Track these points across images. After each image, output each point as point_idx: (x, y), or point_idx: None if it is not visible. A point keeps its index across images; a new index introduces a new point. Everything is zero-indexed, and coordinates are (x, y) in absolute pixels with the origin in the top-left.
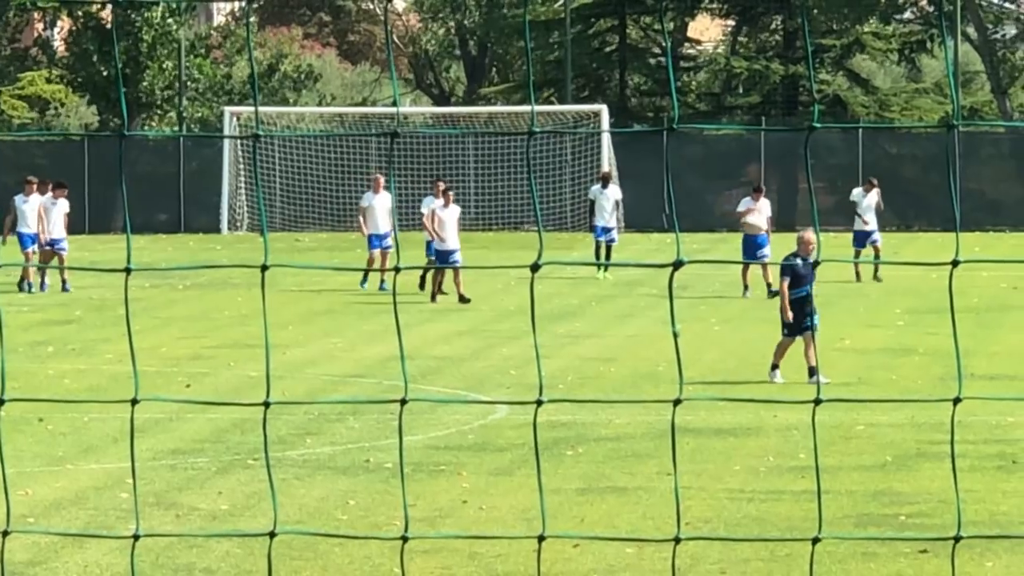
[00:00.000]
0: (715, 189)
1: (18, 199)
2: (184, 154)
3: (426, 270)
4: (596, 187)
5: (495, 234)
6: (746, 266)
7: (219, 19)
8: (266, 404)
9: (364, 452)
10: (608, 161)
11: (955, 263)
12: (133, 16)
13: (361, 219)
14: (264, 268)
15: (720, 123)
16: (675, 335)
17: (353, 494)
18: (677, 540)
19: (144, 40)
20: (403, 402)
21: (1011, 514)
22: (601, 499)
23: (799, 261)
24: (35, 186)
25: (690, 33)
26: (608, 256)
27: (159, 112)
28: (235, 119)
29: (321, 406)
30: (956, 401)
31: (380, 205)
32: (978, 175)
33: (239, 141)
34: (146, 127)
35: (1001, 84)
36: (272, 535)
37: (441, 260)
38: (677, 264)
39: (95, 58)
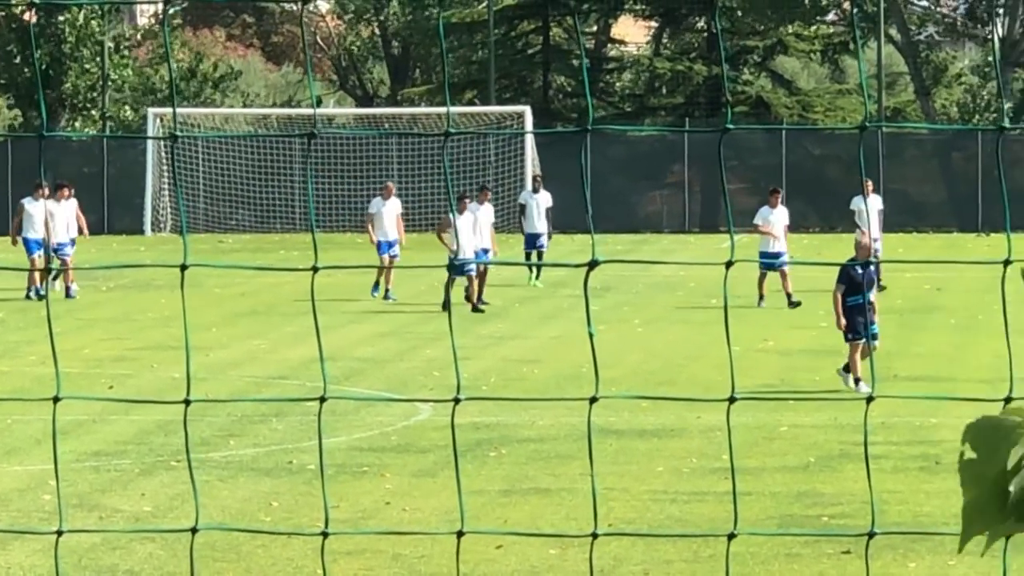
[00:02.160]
0: (639, 190)
1: (27, 201)
2: (108, 156)
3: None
4: (527, 191)
5: (419, 235)
6: (763, 275)
7: (142, 20)
8: (186, 402)
9: (287, 454)
10: (532, 163)
11: (868, 264)
12: (56, 17)
13: (369, 226)
14: (183, 267)
15: (637, 125)
16: (591, 335)
17: (276, 495)
18: (594, 536)
19: (67, 41)
20: (322, 400)
21: (934, 515)
22: (524, 500)
23: (858, 268)
24: (45, 190)
25: (613, 34)
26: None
27: (83, 113)
28: (158, 120)
29: (244, 408)
30: (869, 400)
31: (389, 211)
32: (901, 176)
33: (163, 142)
34: (70, 128)
35: (924, 85)
36: (194, 531)
37: (459, 270)
38: (592, 264)
39: (17, 59)
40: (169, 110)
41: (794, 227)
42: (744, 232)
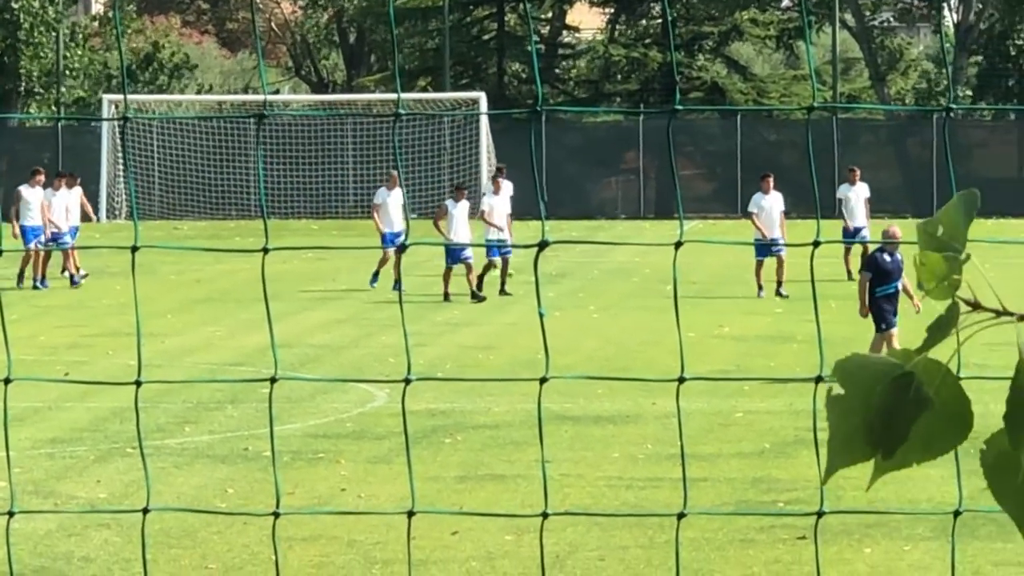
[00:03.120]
0: (594, 177)
1: (23, 188)
2: (63, 142)
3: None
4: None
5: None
6: (759, 265)
7: (97, 7)
8: (137, 383)
9: (243, 440)
10: (487, 149)
11: (816, 243)
12: (11, 3)
13: (375, 216)
14: (134, 249)
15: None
16: (541, 316)
17: (232, 482)
18: (544, 516)
19: (22, 27)
20: (273, 380)
21: (889, 500)
22: (480, 486)
23: (887, 256)
24: (41, 177)
25: (568, 21)
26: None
27: (37, 98)
28: (113, 106)
29: (199, 395)
30: (818, 380)
31: (394, 202)
32: (857, 162)
33: (118, 130)
34: (26, 113)
35: (879, 71)
36: (145, 511)
37: (454, 258)
38: (542, 244)
39: None
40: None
41: (748, 213)
42: (699, 218)
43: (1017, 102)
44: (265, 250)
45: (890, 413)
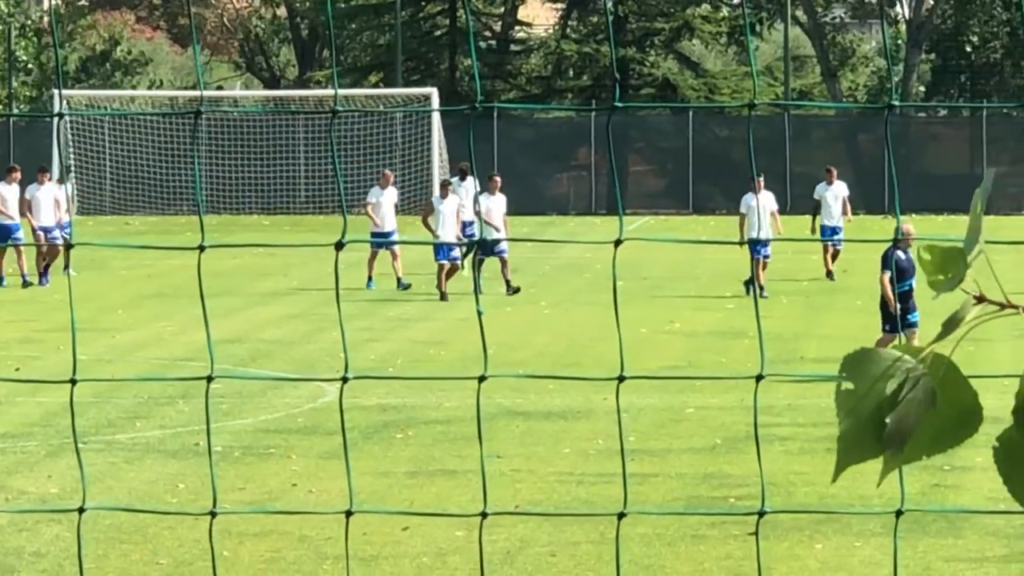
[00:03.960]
0: (546, 172)
1: (1, 186)
2: (14, 138)
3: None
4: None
5: (326, 217)
6: (757, 264)
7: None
8: (72, 382)
9: (194, 435)
10: (438, 145)
11: (754, 241)
12: None
13: (369, 214)
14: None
15: (527, 104)
16: (479, 314)
17: (183, 477)
18: (484, 515)
19: None
20: (209, 379)
21: (840, 496)
22: (431, 482)
23: (901, 254)
24: (17, 174)
25: (521, 16)
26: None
27: None
28: (65, 102)
29: (151, 390)
30: (759, 378)
31: (388, 200)
32: (808, 158)
33: (70, 126)
34: None
35: (831, 67)
36: (81, 510)
37: (443, 255)
38: (480, 242)
39: None
40: (75, 92)
41: (699, 209)
42: (651, 214)
43: (970, 98)
44: (201, 247)
45: (899, 409)
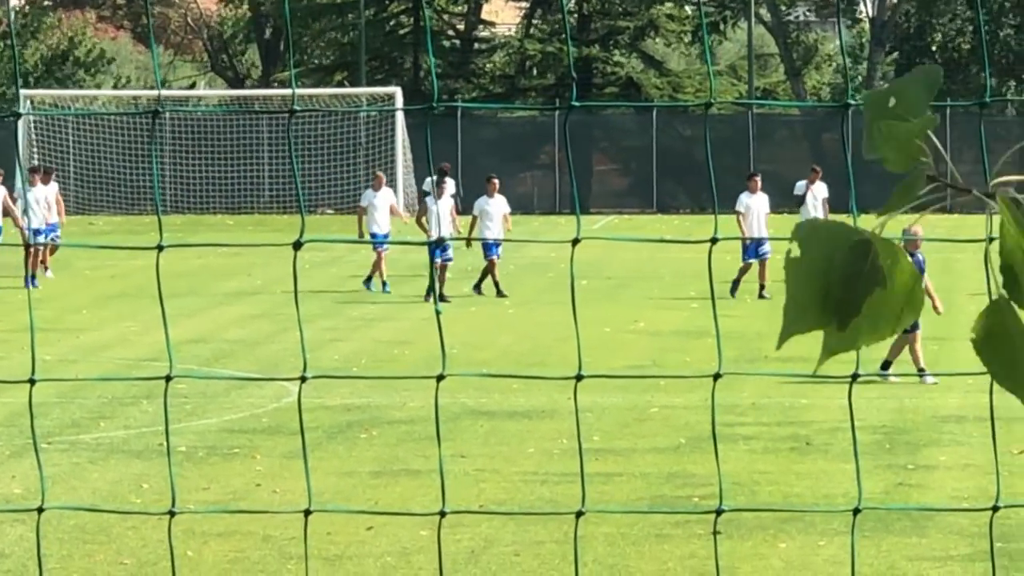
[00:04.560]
0: (510, 171)
1: None
2: None
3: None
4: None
5: (290, 217)
6: (747, 267)
7: (14, 1)
8: (31, 382)
9: (158, 436)
10: (402, 143)
11: (714, 240)
12: None
13: (360, 218)
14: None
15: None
16: (437, 313)
17: (147, 477)
18: (443, 514)
19: None
20: (168, 379)
21: (804, 495)
22: (395, 482)
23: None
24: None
25: (484, 15)
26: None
27: None
28: (28, 101)
29: (115, 391)
30: (716, 377)
31: (382, 202)
32: (772, 157)
33: (33, 125)
34: None
35: (794, 66)
36: (40, 510)
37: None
38: (438, 241)
39: None
40: (39, 92)
41: (664, 208)
42: (615, 213)
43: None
44: (159, 247)
45: (847, 280)
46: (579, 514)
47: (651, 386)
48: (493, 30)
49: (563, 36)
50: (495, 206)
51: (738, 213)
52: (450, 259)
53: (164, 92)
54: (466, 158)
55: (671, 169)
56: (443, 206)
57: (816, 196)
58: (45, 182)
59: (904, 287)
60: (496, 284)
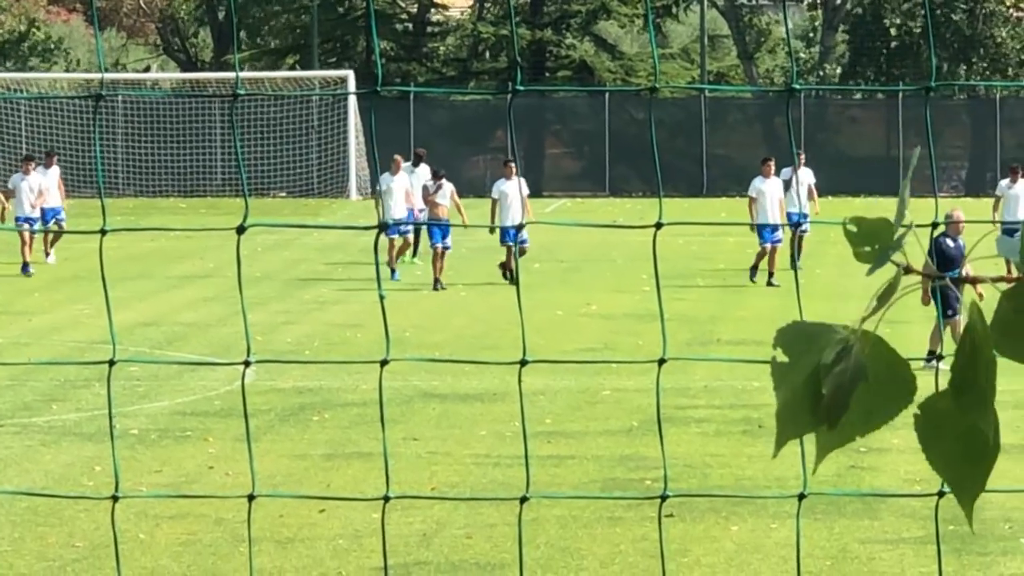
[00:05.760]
0: (463, 155)
1: None
2: None
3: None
4: (408, 167)
5: (243, 200)
6: (763, 251)
7: None
8: None
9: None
10: (354, 127)
11: (658, 225)
12: None
13: (380, 202)
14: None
15: (428, 88)
16: (381, 298)
17: (99, 460)
18: (386, 499)
19: None
20: (111, 363)
21: (756, 478)
22: (347, 464)
23: (949, 242)
24: None
25: None
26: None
27: None
28: None
29: (67, 374)
30: (661, 362)
31: (399, 187)
32: (725, 141)
33: None
34: None
35: (747, 50)
36: None
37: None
38: (382, 226)
39: None
40: None
41: (616, 191)
42: (567, 196)
43: (886, 81)
44: (103, 231)
45: (831, 381)
46: (523, 499)
47: (603, 369)
48: (446, 13)
49: (517, 19)
50: (513, 189)
51: (750, 198)
52: (449, 247)
53: (117, 75)
54: (419, 141)
55: (624, 152)
56: (441, 196)
57: (802, 181)
58: (48, 165)
59: (890, 375)
60: (508, 270)
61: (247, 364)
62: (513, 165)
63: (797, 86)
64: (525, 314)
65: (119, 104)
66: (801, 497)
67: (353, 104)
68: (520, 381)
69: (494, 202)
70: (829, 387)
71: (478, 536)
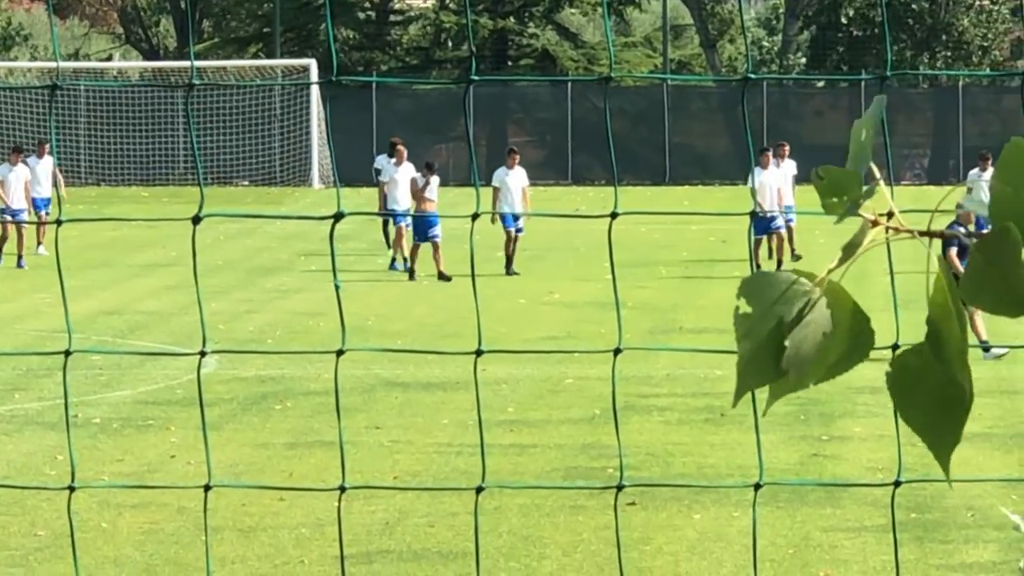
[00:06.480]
0: (425, 143)
1: None
2: None
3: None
4: (384, 159)
5: (207, 189)
6: (757, 243)
7: None
8: None
9: (72, 408)
10: (317, 116)
11: (614, 215)
12: None
13: (382, 192)
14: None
15: (387, 78)
16: (336, 287)
17: (61, 449)
18: (343, 489)
19: None
20: (67, 353)
21: (719, 466)
22: (309, 453)
23: (962, 230)
24: None
25: None
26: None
27: None
28: None
29: (29, 363)
30: (617, 352)
31: (403, 178)
32: (687, 129)
33: None
34: None
35: (709, 38)
36: None
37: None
38: (338, 216)
39: None
40: None
41: (579, 180)
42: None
43: (848, 70)
44: (59, 222)
45: (796, 332)
46: (479, 489)
47: (565, 357)
48: (409, 2)
49: (479, 7)
50: (514, 179)
51: (752, 190)
52: (436, 236)
53: (78, 64)
54: (381, 130)
55: (586, 141)
56: (431, 188)
57: (786, 173)
58: (40, 155)
59: (851, 328)
60: (509, 257)
61: (203, 354)
62: (517, 155)
63: (753, 75)
64: (488, 303)
65: (81, 93)
66: (757, 487)
67: (316, 93)
68: (476, 371)
69: (495, 190)
70: (794, 339)
71: (440, 525)
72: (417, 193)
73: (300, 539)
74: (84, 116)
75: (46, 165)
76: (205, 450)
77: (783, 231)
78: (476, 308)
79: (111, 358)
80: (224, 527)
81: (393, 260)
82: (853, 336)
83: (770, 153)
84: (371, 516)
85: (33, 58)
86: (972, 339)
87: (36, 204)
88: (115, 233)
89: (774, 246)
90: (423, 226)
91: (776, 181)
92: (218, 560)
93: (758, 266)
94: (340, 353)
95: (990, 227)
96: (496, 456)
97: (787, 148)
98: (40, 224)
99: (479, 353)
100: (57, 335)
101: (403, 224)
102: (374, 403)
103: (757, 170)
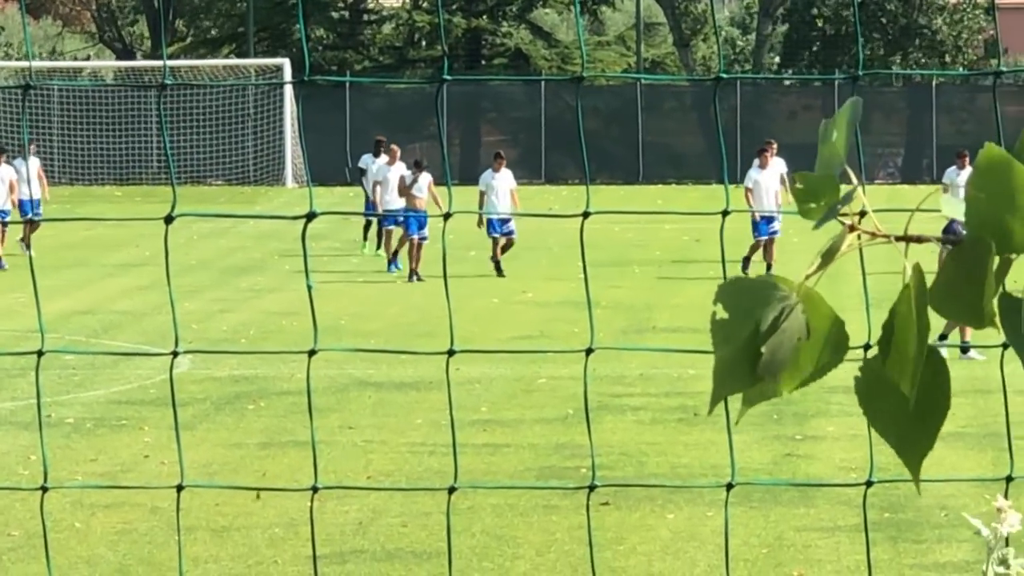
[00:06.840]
0: (399, 142)
1: None
2: None
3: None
4: (369, 158)
5: (180, 188)
6: (757, 244)
7: None
8: None
9: (46, 407)
10: (291, 115)
11: (586, 214)
12: None
13: (375, 192)
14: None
15: (357, 78)
16: (309, 288)
17: (35, 449)
18: (315, 489)
19: None
20: (40, 354)
21: (692, 466)
22: (283, 453)
23: (961, 229)
24: None
25: None
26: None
27: None
28: None
29: (2, 363)
30: (588, 352)
31: (395, 178)
32: (661, 128)
33: None
34: None
35: (683, 37)
36: None
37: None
38: (311, 216)
39: None
40: None
41: (552, 179)
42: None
43: (822, 69)
44: (30, 221)
45: (773, 339)
46: (451, 490)
47: (538, 357)
48: (382, 1)
49: (452, 7)
50: (501, 181)
51: (746, 188)
52: (426, 237)
53: (52, 64)
54: (355, 129)
55: (559, 140)
56: (421, 183)
57: (778, 174)
58: (26, 156)
59: (827, 334)
60: (497, 262)
61: (176, 354)
62: (503, 159)
63: (725, 75)
64: (461, 302)
65: (54, 93)
66: (729, 487)
67: (289, 92)
68: (448, 371)
69: (481, 194)
70: (770, 345)
71: (413, 524)
72: (404, 190)
73: (273, 539)
74: (57, 115)
75: (33, 166)
76: (178, 450)
77: (778, 235)
78: (448, 308)
79: (84, 358)
80: (197, 527)
81: (390, 262)
82: (829, 343)
83: (767, 152)
84: (344, 516)
85: (7, 57)
86: (954, 338)
87: (23, 206)
88: (89, 233)
89: (764, 248)
90: (413, 225)
91: (773, 182)
92: (191, 560)
93: (747, 260)
94: (312, 353)
95: (965, 234)
96: (469, 456)
97: (774, 147)
98: (28, 223)
99: (451, 353)
100: (31, 335)
101: (390, 228)
102: (347, 403)
103: (755, 169)
